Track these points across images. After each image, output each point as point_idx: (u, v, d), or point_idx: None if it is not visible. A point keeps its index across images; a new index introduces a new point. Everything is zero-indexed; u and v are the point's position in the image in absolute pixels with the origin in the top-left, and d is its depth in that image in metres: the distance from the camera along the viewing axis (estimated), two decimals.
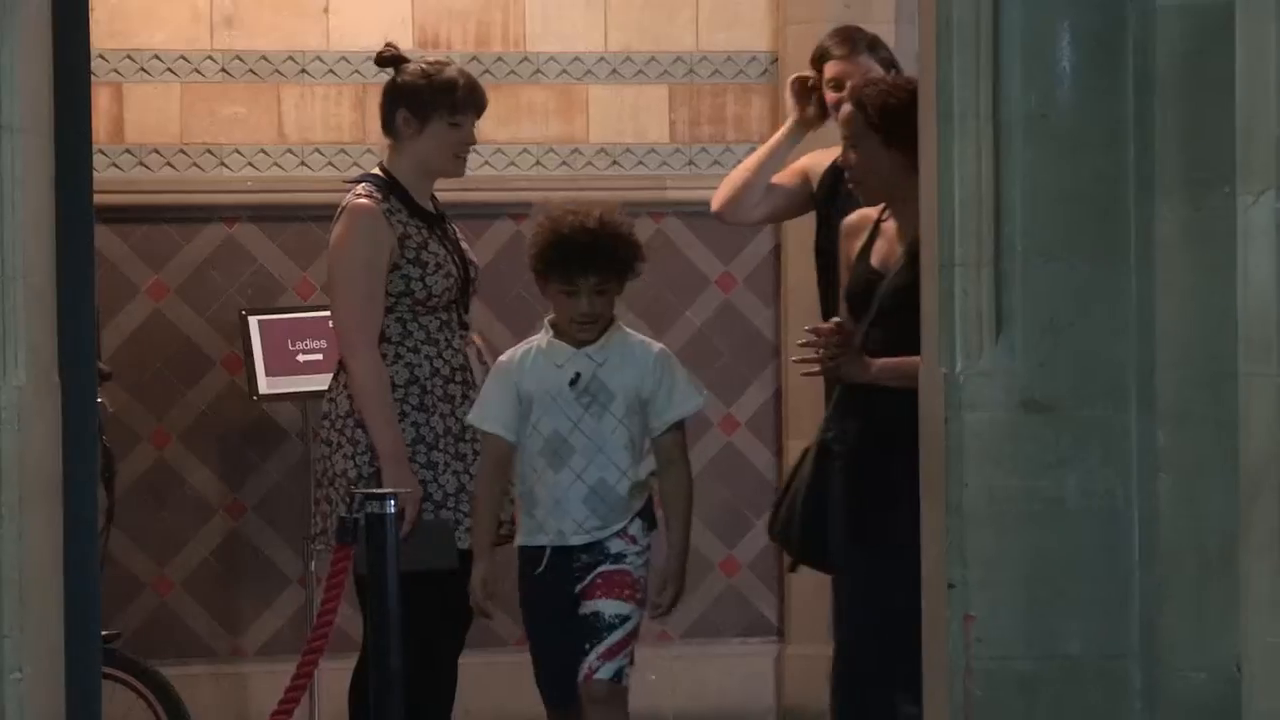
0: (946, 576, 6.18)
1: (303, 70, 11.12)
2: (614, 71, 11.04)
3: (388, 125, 8.30)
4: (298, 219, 11.08)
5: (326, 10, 11.12)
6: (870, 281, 7.19)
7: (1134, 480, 5.97)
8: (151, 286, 10.71)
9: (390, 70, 8.22)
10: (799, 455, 7.65)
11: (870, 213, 7.38)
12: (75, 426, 7.15)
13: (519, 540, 6.27)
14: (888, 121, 7.13)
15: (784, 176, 8.93)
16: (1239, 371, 5.22)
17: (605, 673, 6.13)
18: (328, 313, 9.67)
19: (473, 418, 6.39)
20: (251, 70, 11.08)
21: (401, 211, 8.20)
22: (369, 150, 10.84)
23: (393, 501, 6.30)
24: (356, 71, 11.08)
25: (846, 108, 7.33)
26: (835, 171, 8.32)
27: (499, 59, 10.67)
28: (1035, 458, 6.03)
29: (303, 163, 11.15)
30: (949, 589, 6.15)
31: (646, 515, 6.32)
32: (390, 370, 7.79)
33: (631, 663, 6.30)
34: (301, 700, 6.08)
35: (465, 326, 8.48)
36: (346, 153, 11.11)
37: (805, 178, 8.89)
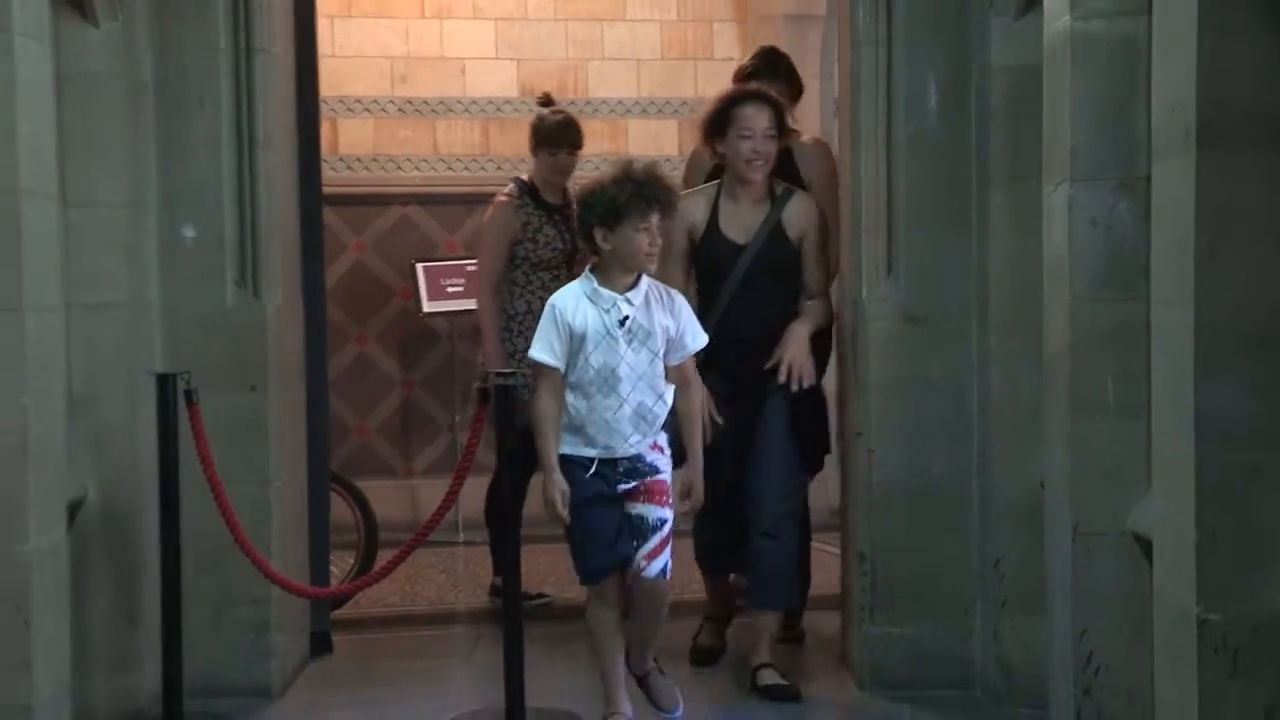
0: (856, 426, 6.21)
1: (449, 109, 11.18)
2: (644, 110, 11.04)
3: (531, 147, 8.36)
4: (445, 202, 11.16)
5: (464, 71, 11.15)
6: (734, 250, 6.24)
7: (975, 367, 5.96)
8: (355, 244, 10.80)
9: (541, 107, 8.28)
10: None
11: (702, 193, 6.46)
12: (312, 331, 7.20)
13: (564, 450, 5.41)
14: (782, 123, 6.30)
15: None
16: (1043, 298, 5.27)
17: (652, 570, 5.41)
18: (468, 262, 10.23)
19: (534, 353, 5.42)
20: (416, 109, 11.11)
21: (528, 205, 8.10)
22: (490, 159, 11.12)
23: (516, 379, 5.99)
24: (482, 110, 11.19)
25: (760, 106, 6.20)
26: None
27: (571, 102, 10.60)
28: (912, 353, 6.02)
29: (449, 167, 11.21)
30: (858, 435, 6.19)
31: (667, 426, 5.51)
32: (516, 302, 7.93)
33: (670, 558, 5.56)
34: (452, 505, 6.07)
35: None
36: (476, 161, 11.20)
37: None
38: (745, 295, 6.23)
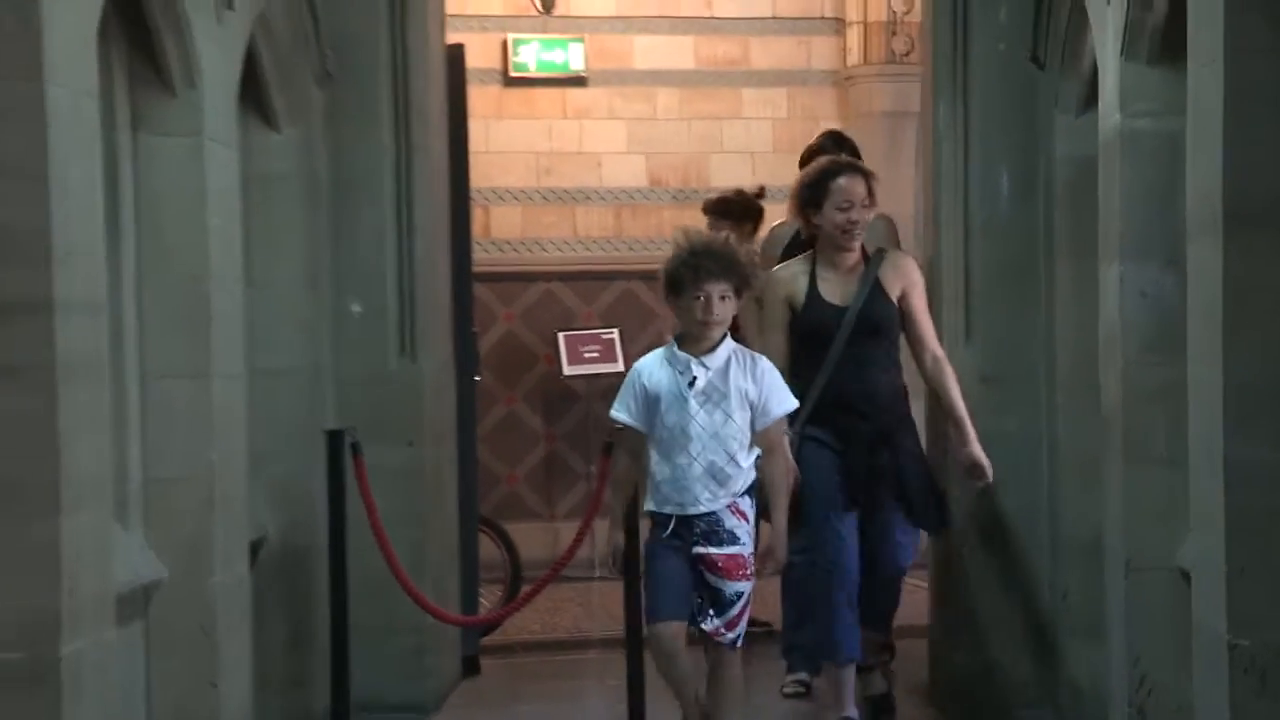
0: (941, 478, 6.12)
1: (586, 197, 11.21)
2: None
3: None
4: (584, 279, 11.16)
5: (599, 164, 11.20)
6: (835, 313, 5.67)
7: (1044, 421, 5.97)
8: (505, 316, 10.86)
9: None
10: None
11: (795, 266, 5.89)
12: (463, 391, 7.25)
13: (647, 506, 5.04)
14: (873, 192, 5.78)
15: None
16: (1099, 361, 5.28)
17: (729, 639, 4.97)
18: (603, 331, 10.48)
19: (612, 411, 5.11)
20: (559, 198, 11.17)
21: None
22: (623, 241, 11.18)
23: None
24: (616, 198, 11.24)
25: (854, 177, 5.74)
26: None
27: (694, 190, 10.76)
28: (989, 409, 5.95)
29: (586, 248, 11.24)
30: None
31: (753, 493, 5.03)
32: None
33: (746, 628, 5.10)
34: (581, 542, 6.10)
35: None
36: (610, 242, 11.24)
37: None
38: (850, 355, 5.70)
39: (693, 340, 4.95)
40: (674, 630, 4.91)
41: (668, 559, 4.90)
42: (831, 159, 6.06)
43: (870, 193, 5.73)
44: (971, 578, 6.16)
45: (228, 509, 5.12)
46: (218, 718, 4.99)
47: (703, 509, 4.87)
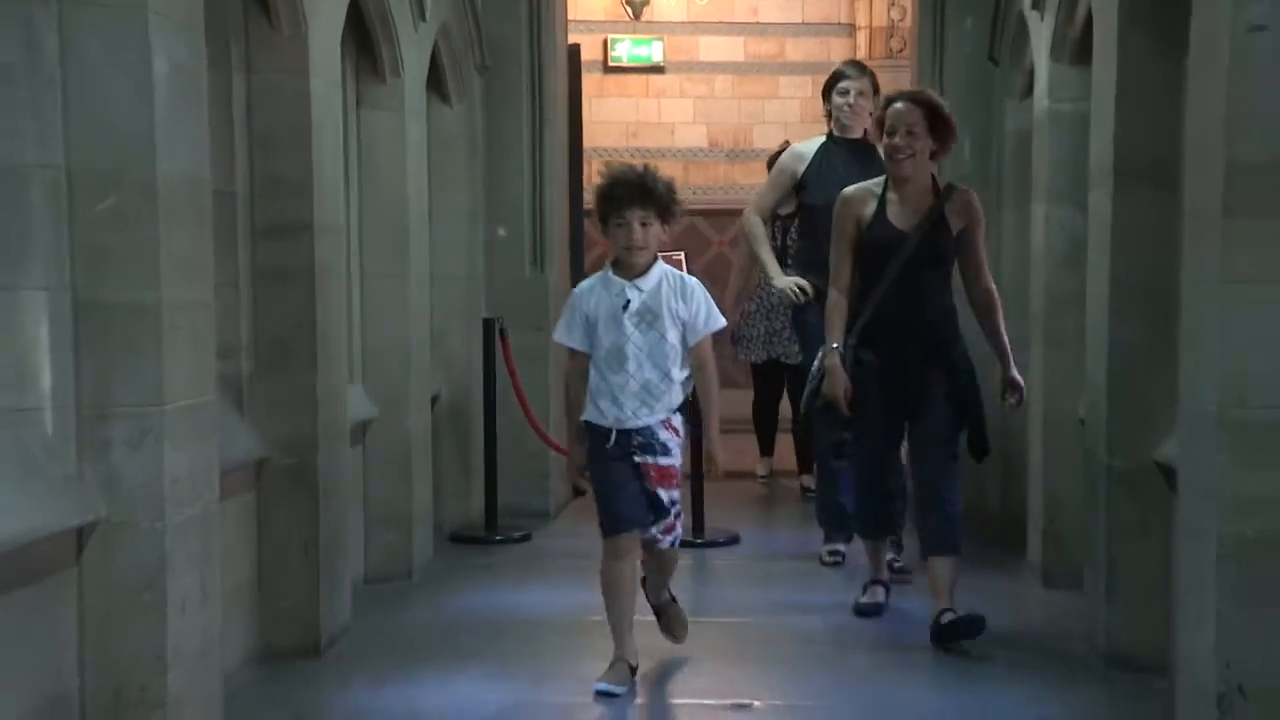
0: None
1: (662, 155, 10.89)
2: None
3: None
4: None
5: (673, 131, 11.02)
6: (897, 236, 4.49)
7: None
8: (601, 242, 9.87)
9: None
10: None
11: (868, 187, 4.65)
12: None
13: (584, 418, 4.03)
14: (938, 123, 4.50)
15: (780, 189, 5.65)
16: (1030, 275, 5.31)
17: (666, 543, 4.06)
18: (672, 252, 9.64)
19: (556, 335, 4.11)
20: (643, 155, 10.35)
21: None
22: (689, 188, 10.65)
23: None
24: (683, 156, 11.07)
25: (908, 104, 4.53)
26: (818, 159, 5.55)
27: (742, 150, 10.78)
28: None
29: None
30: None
31: (683, 408, 4.06)
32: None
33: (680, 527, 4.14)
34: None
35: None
36: (679, 189, 10.85)
37: (792, 176, 5.57)
38: (905, 279, 4.51)
39: (625, 266, 3.99)
40: (629, 544, 4.02)
41: (617, 469, 3.99)
42: (895, 90, 4.81)
43: (925, 119, 4.52)
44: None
45: (417, 370, 5.33)
46: (412, 511, 5.28)
47: (640, 423, 3.96)
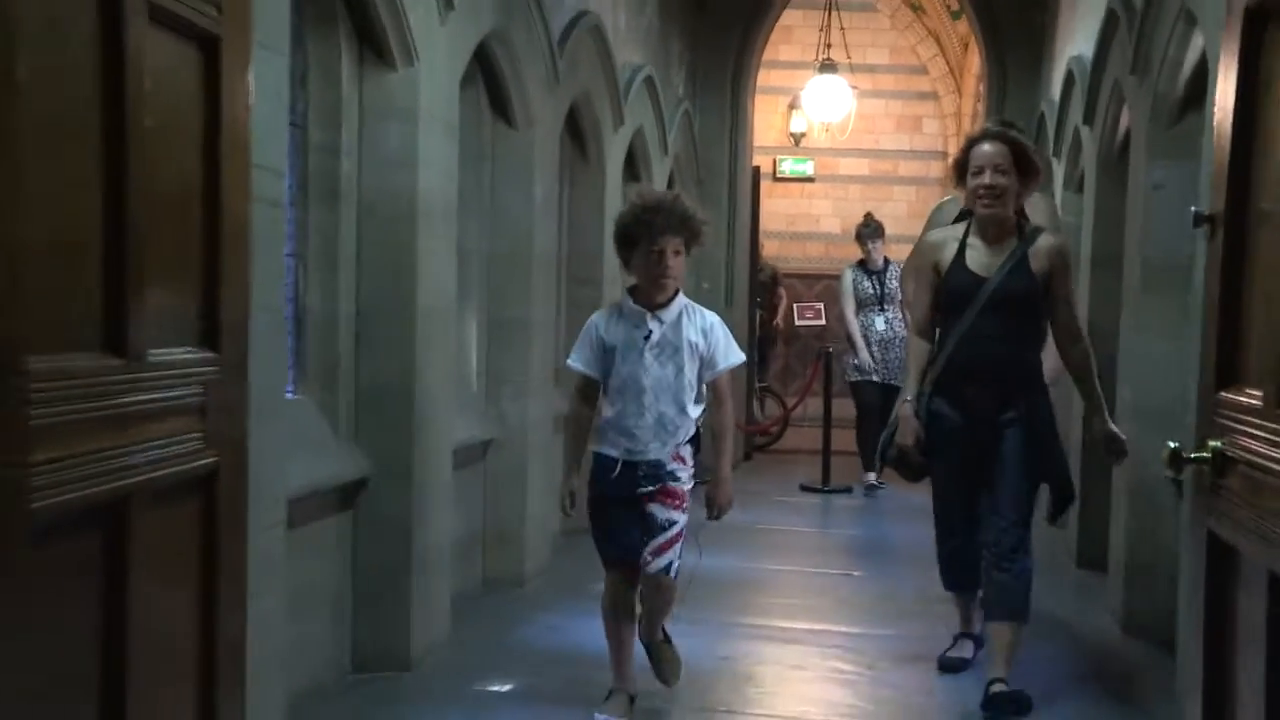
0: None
1: (810, 237, 10.62)
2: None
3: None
4: (808, 277, 10.46)
5: (818, 221, 10.79)
6: (975, 282, 3.21)
7: None
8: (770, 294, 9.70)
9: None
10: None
11: (951, 232, 3.37)
12: (752, 328, 7.30)
13: (594, 447, 2.99)
14: (1023, 162, 3.19)
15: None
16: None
17: (655, 566, 2.93)
18: (814, 303, 9.84)
19: (569, 362, 3.03)
20: (797, 237, 10.69)
21: (858, 271, 6.47)
22: (827, 259, 10.24)
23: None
24: (824, 239, 10.57)
25: (995, 143, 3.22)
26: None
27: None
28: None
29: (810, 263, 10.58)
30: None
31: (694, 441, 2.96)
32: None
33: (679, 558, 2.98)
34: (800, 405, 6.42)
35: (881, 313, 6.41)
36: (820, 260, 10.46)
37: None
38: (983, 326, 3.22)
39: (647, 294, 2.96)
40: (627, 575, 3.02)
41: (615, 510, 2.98)
42: (984, 128, 3.45)
43: (1015, 161, 3.25)
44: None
45: (536, 397, 4.34)
46: (525, 526, 4.31)
47: (650, 456, 2.94)
